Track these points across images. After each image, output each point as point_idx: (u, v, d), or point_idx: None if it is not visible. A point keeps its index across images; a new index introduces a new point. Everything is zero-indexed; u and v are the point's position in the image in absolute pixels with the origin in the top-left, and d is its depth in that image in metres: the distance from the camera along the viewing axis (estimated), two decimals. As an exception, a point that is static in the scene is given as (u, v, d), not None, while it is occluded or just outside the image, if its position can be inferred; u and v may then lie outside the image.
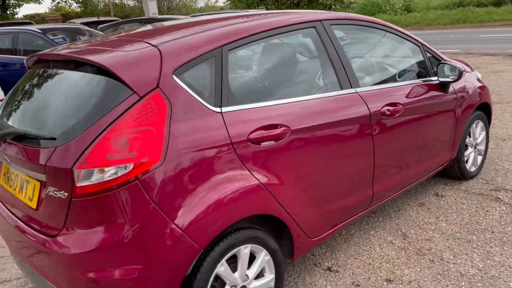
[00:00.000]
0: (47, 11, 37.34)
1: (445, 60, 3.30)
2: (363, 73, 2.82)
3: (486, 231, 2.99)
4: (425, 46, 3.27)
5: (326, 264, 2.77)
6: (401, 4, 24.13)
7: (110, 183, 1.74)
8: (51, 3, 41.19)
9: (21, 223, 2.08)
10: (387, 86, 2.84)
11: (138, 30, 2.64)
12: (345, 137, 2.47)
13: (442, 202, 3.46)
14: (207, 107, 1.97)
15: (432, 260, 2.71)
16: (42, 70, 2.30)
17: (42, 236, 1.92)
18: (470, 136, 3.70)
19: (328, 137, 2.38)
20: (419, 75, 3.17)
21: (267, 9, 28.11)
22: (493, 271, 2.56)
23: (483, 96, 3.72)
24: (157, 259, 1.80)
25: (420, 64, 3.21)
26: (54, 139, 1.83)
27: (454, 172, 3.70)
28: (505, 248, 2.78)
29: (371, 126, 2.60)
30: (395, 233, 3.05)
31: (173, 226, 1.81)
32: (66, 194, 1.78)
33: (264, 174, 2.10)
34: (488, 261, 2.66)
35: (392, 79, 2.99)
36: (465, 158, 3.71)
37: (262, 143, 2.09)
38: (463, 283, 2.48)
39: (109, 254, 1.77)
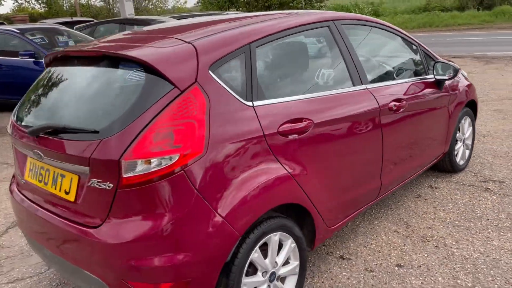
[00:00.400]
0: (9, 12, 36.18)
1: (440, 59, 3.51)
2: (370, 70, 2.97)
3: (482, 219, 3.20)
4: (421, 45, 3.47)
5: (338, 252, 2.90)
6: (370, 9, 24.80)
7: (156, 174, 1.80)
8: (13, 4, 39.89)
9: (55, 217, 2.10)
10: (392, 83, 3.01)
11: (159, 27, 2.70)
12: (359, 130, 2.61)
13: (437, 193, 3.66)
14: (240, 101, 2.07)
15: (436, 246, 2.89)
16: (66, 66, 2.33)
17: (81, 227, 1.96)
18: (459, 131, 3.92)
19: (345, 130, 2.51)
20: (417, 73, 3.35)
21: (238, 11, 28.16)
22: (494, 254, 2.76)
23: (470, 94, 3.96)
24: (201, 246, 1.87)
25: (418, 62, 3.41)
26: (97, 132, 1.88)
27: (445, 165, 3.91)
28: (502, 233, 2.99)
29: (380, 120, 2.76)
30: (398, 223, 3.22)
31: (216, 214, 1.89)
32: (112, 185, 1.84)
33: (292, 165, 2.21)
34: (488, 246, 2.86)
35: (395, 76, 3.16)
36: (455, 152, 3.93)
37: (289, 136, 2.20)
38: (468, 266, 2.66)
39: (154, 242, 1.83)
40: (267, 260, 2.18)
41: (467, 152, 4.14)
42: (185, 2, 39.71)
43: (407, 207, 3.46)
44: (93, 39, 9.13)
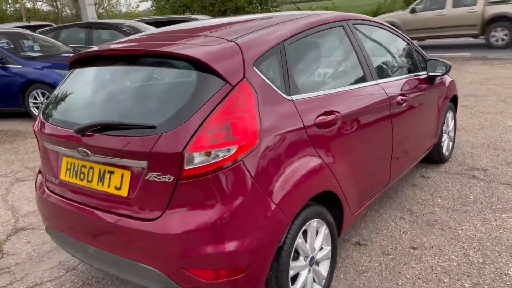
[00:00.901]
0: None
1: (429, 57, 3.78)
2: (376, 66, 3.17)
3: (476, 203, 3.48)
4: (414, 44, 3.72)
5: (354, 239, 3.07)
6: (324, 13, 25.57)
7: (216, 165, 1.88)
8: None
9: (104, 213, 2.12)
10: (395, 78, 3.23)
11: (186, 27, 2.77)
12: (375, 121, 2.80)
13: (430, 182, 3.93)
14: (281, 95, 2.18)
15: (442, 229, 3.13)
16: (102, 66, 2.36)
17: (137, 221, 2.00)
18: (445, 124, 4.22)
19: (364, 121, 2.69)
20: (411, 70, 3.60)
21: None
22: (495, 233, 3.03)
23: (453, 89, 4.28)
24: (259, 232, 1.97)
25: (413, 60, 3.65)
26: (154, 127, 1.93)
27: (434, 156, 4.19)
28: (497, 214, 3.28)
29: (391, 113, 2.96)
30: (402, 210, 3.44)
31: (270, 201, 1.99)
32: (172, 177, 1.90)
33: (326, 155, 2.35)
34: (487, 226, 3.13)
35: (396, 72, 3.38)
36: (442, 144, 4.22)
37: (322, 128, 2.34)
38: (475, 244, 2.91)
39: (215, 230, 1.90)
40: (307, 245, 2.30)
41: (451, 144, 4.45)
42: (138, 6, 39.26)
43: (406, 195, 3.70)
44: (59, 43, 8.88)
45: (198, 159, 1.87)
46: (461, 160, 4.40)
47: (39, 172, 2.61)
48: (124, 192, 2.04)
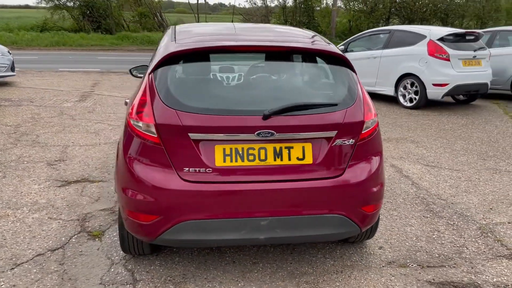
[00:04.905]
0: None
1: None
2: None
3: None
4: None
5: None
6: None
7: (373, 129, 2.70)
8: None
9: (286, 183, 2.48)
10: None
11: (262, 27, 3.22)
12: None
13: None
14: None
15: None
16: (239, 61, 2.64)
17: (324, 180, 2.53)
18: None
19: None
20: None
21: None
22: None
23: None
24: (384, 173, 2.87)
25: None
26: (336, 105, 2.54)
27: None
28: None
29: None
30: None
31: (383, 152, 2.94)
32: (353, 141, 2.58)
33: None
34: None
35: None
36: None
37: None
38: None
39: (377, 176, 2.70)
40: None
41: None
42: None
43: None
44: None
45: (367, 125, 2.63)
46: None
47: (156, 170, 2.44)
48: (308, 160, 2.51)
